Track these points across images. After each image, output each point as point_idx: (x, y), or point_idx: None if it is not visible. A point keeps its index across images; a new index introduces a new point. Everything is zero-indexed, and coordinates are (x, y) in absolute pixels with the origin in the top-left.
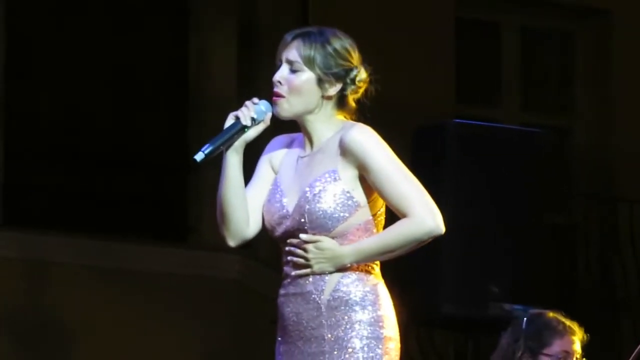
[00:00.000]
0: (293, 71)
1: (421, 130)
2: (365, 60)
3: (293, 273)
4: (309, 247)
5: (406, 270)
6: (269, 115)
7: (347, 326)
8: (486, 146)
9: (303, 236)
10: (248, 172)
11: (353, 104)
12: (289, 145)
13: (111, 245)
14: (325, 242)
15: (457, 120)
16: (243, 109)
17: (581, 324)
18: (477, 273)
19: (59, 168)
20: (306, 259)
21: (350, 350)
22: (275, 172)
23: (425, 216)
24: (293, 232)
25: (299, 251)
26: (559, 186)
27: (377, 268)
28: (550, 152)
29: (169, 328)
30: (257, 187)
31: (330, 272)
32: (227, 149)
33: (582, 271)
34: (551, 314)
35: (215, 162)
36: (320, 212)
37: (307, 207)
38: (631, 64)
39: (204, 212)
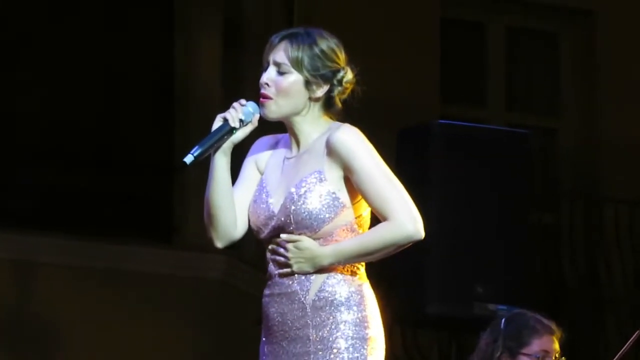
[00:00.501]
0: (281, 73)
1: (406, 131)
2: (351, 61)
3: (275, 273)
4: (289, 246)
5: (391, 270)
6: (257, 116)
7: (333, 326)
8: (471, 146)
9: (283, 236)
10: (234, 173)
11: (339, 105)
12: (274, 146)
13: (97, 246)
14: (305, 242)
15: (442, 121)
16: (231, 110)
17: (567, 323)
18: (462, 273)
19: (45, 168)
20: (286, 258)
21: (335, 350)
22: (261, 173)
23: (405, 220)
24: (279, 233)
25: (281, 250)
26: (544, 186)
27: (362, 269)
28: (535, 153)
29: (155, 328)
30: (244, 188)
31: (310, 273)
32: (215, 150)
33: (568, 271)
34: (529, 314)
35: (201, 163)
36: (306, 213)
37: (293, 207)
38: (616, 65)
39: (189, 212)
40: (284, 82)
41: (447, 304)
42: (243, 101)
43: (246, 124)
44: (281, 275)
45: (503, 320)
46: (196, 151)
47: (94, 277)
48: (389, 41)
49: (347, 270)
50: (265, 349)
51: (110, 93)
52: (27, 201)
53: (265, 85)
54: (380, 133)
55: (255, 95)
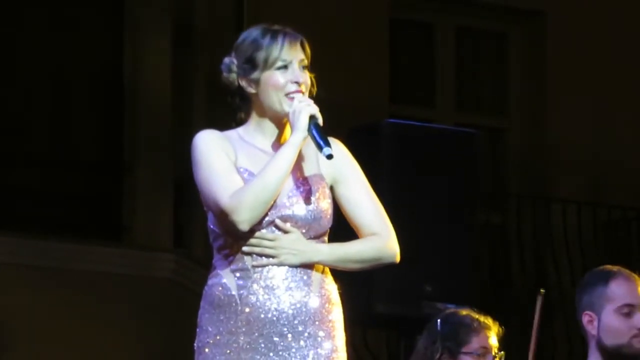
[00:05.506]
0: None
1: (355, 130)
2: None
3: (254, 263)
4: (279, 236)
5: (339, 270)
6: None
7: (331, 324)
8: (420, 146)
9: (279, 222)
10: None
11: None
12: (229, 139)
13: (46, 245)
14: (296, 233)
15: (391, 120)
16: (314, 107)
17: (515, 323)
18: (410, 272)
19: None
20: (274, 247)
21: (335, 349)
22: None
23: (393, 241)
24: (274, 224)
25: (267, 243)
26: (492, 186)
27: None
28: (484, 152)
29: (104, 327)
30: (237, 174)
31: (293, 266)
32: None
33: (516, 271)
34: (464, 312)
35: (146, 162)
36: (324, 212)
37: (315, 205)
38: (564, 65)
39: (138, 211)
40: (308, 81)
41: (395, 303)
42: (304, 97)
43: None
44: (257, 266)
45: (438, 321)
46: (327, 144)
47: (43, 275)
48: (338, 41)
49: (328, 273)
50: (241, 341)
51: (59, 92)
52: None
53: (302, 85)
54: (330, 133)
55: (206, 94)
